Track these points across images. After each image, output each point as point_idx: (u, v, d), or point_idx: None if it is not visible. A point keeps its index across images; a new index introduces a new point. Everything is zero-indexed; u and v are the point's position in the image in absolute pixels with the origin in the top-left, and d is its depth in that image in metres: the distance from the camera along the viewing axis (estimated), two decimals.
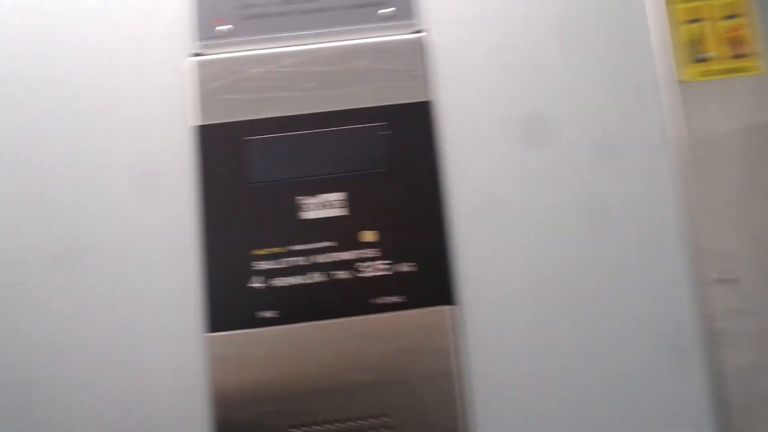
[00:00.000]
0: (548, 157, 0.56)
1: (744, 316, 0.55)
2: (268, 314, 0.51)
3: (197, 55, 0.55)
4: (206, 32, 0.55)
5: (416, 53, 0.55)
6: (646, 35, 0.58)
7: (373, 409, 0.51)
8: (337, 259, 0.52)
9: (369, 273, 0.52)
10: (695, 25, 0.58)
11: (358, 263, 0.52)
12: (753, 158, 0.57)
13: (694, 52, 0.58)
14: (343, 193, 0.52)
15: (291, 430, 0.51)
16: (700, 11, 0.58)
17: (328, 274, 0.52)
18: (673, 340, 0.55)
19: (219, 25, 0.55)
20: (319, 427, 0.51)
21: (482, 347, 0.54)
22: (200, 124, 0.53)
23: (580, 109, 0.57)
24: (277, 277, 0.52)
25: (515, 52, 0.57)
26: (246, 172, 0.52)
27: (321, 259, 0.52)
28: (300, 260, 0.52)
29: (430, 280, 0.52)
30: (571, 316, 0.55)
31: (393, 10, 0.56)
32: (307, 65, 0.54)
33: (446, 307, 0.53)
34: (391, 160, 0.53)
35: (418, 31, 0.56)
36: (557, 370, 0.54)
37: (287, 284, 0.52)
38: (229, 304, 0.51)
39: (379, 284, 0.52)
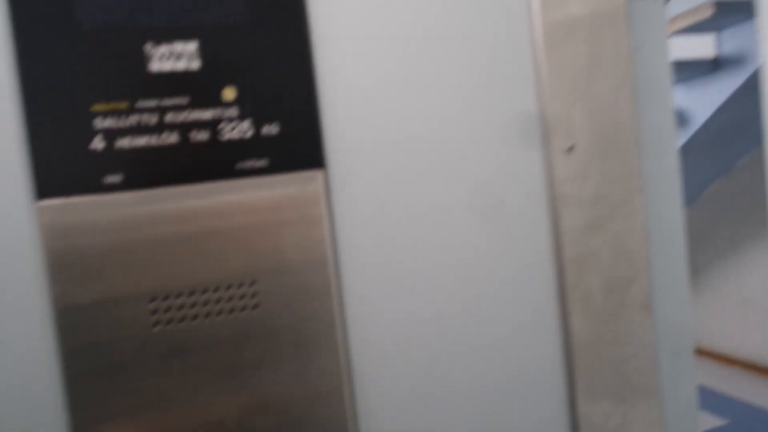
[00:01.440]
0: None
1: (579, 182, 0.62)
2: (113, 179, 0.46)
3: None
4: None
5: None
6: None
7: (239, 276, 0.49)
8: (191, 118, 0.47)
9: (228, 134, 0.48)
10: None
11: (216, 123, 0.48)
12: (598, 38, 0.62)
13: None
14: (197, 42, 0.47)
15: (151, 304, 0.47)
16: None
17: (182, 135, 0.47)
18: (520, 206, 0.61)
19: None
20: (181, 298, 0.48)
21: (352, 212, 0.54)
22: None
23: None
24: (122, 136, 0.46)
25: None
26: (77, 13, 0.44)
27: (173, 117, 0.47)
28: (149, 118, 0.46)
29: (297, 142, 0.50)
30: (436, 178, 0.57)
31: None
32: None
33: (315, 171, 0.51)
34: (252, 6, 0.48)
35: None
36: (428, 234, 0.57)
37: (134, 145, 0.46)
38: (66, 167, 0.44)
39: (239, 146, 0.49)
